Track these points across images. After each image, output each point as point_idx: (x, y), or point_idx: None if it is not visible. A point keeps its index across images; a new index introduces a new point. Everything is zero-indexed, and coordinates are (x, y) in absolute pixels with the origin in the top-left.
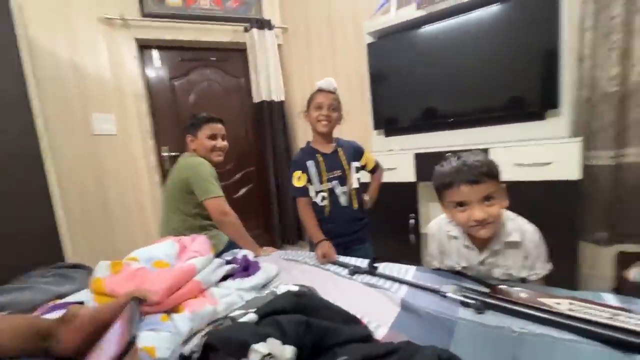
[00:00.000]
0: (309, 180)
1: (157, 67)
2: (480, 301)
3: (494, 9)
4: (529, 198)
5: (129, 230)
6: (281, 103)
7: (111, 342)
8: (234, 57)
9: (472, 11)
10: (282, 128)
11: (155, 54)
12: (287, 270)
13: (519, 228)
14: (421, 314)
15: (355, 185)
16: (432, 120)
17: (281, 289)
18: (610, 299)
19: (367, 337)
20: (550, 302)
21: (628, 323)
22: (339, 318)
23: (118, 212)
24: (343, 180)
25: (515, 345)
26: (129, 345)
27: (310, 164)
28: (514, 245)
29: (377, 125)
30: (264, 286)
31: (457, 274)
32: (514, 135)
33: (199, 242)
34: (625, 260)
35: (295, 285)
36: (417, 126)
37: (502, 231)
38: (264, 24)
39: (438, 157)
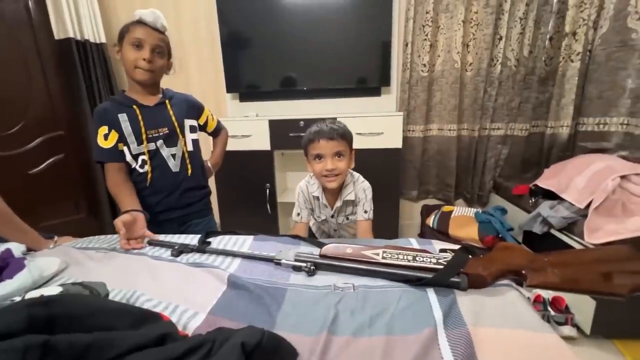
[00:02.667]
0: (123, 141)
1: None
2: (311, 263)
3: None
4: (366, 163)
5: None
6: (100, 46)
7: None
8: None
9: None
10: (106, 79)
11: None
12: (80, 263)
13: (359, 188)
14: (250, 288)
15: (190, 147)
16: (289, 87)
17: (32, 295)
18: (415, 243)
19: (163, 337)
20: (370, 253)
21: (425, 262)
22: (123, 322)
23: None
24: (172, 140)
25: (338, 302)
26: None
27: (123, 117)
28: (350, 203)
29: (230, 88)
30: (30, 291)
31: (294, 238)
32: (357, 108)
33: None
34: (427, 212)
35: (62, 285)
36: (273, 93)
37: (344, 192)
38: None
39: (293, 124)
